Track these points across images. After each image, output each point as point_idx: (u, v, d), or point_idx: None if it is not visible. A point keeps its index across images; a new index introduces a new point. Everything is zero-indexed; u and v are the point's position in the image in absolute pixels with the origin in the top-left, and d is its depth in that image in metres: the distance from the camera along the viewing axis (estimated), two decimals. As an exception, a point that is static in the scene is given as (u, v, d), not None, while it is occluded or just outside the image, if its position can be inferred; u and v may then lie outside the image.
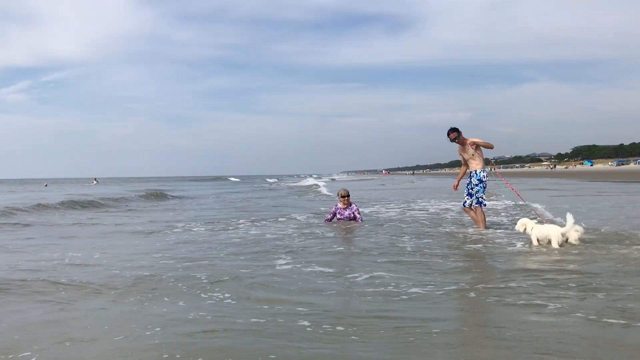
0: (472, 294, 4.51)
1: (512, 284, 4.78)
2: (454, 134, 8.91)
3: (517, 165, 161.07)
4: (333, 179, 76.22)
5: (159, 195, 27.21)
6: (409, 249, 7.08)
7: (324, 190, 30.31)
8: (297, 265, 5.94)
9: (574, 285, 4.70)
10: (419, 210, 13.75)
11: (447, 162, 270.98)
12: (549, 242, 6.63)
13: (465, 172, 9.20)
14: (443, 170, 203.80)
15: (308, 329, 3.62)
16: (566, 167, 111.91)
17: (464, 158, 9.09)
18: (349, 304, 4.32)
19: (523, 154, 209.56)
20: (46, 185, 65.84)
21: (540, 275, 5.15)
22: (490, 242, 7.47)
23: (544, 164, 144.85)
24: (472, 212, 9.05)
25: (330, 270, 5.65)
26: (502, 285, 4.75)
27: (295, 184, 51.79)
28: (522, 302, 4.19)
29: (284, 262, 6.19)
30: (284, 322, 3.77)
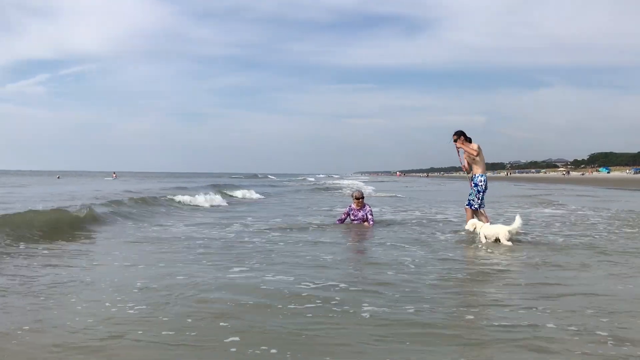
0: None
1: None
2: (455, 136, 9.30)
3: (533, 170, 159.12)
4: (360, 179, 74.20)
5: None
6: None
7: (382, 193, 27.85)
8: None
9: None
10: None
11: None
12: (497, 239, 7.49)
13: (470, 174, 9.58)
14: (458, 174, 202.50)
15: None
16: (582, 174, 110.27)
17: (467, 162, 9.48)
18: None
19: (539, 159, 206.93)
20: (59, 178, 66.26)
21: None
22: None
23: (560, 170, 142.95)
24: (474, 215, 9.21)
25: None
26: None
27: (334, 183, 49.30)
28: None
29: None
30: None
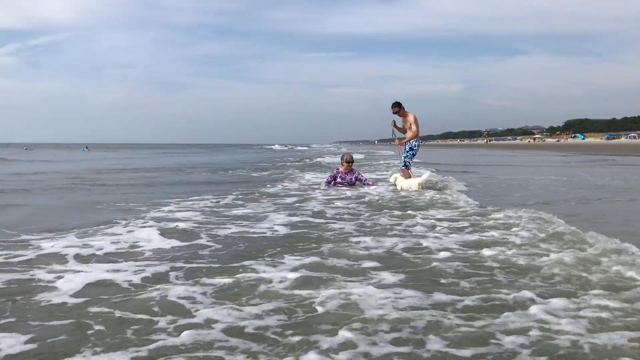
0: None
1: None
2: (396, 108, 10.67)
3: (510, 137, 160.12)
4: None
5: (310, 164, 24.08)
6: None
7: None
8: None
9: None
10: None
11: (439, 133, 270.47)
12: (410, 189, 9.72)
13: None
14: (436, 142, 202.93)
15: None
16: (557, 140, 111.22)
17: (403, 127, 10.86)
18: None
19: (515, 126, 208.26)
20: (25, 149, 63.66)
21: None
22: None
23: (534, 137, 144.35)
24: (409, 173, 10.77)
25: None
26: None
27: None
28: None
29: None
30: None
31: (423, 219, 6.42)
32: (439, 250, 4.60)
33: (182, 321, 2.86)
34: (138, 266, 4.08)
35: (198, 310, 3.02)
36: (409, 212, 7.01)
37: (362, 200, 8.56)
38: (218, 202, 8.33)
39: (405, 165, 10.77)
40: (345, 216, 6.76)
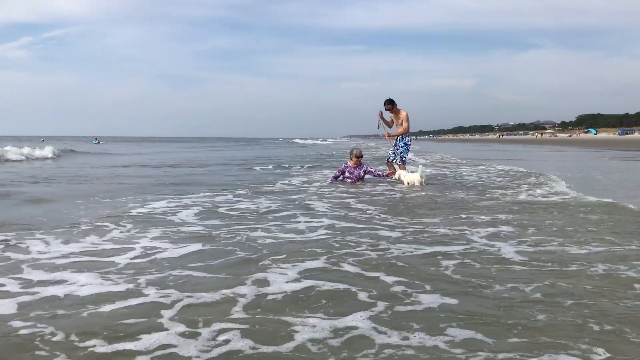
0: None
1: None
2: (389, 105, 11.24)
3: (521, 132, 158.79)
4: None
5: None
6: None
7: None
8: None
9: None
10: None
11: (450, 127, 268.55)
12: (414, 184, 9.96)
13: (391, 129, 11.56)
14: (447, 137, 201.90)
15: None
16: (569, 136, 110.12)
17: (394, 122, 11.42)
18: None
19: (527, 121, 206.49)
20: (43, 141, 64.40)
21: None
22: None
23: (541, 132, 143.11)
24: (394, 167, 11.35)
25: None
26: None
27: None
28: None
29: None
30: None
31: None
32: None
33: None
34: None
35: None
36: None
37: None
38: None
39: (402, 161, 11.31)
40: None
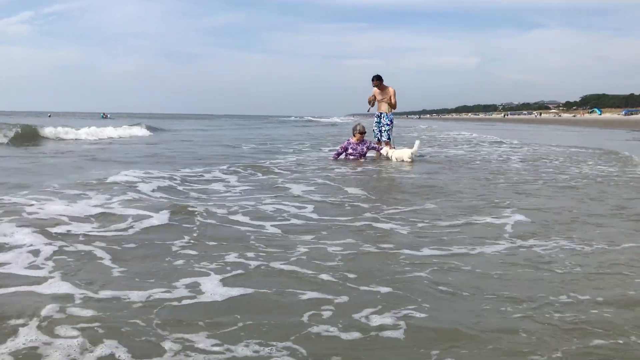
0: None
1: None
2: (377, 81, 11.41)
3: (525, 112, 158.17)
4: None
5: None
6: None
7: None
8: None
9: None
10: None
11: (453, 107, 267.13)
12: (403, 160, 10.10)
13: (375, 106, 11.68)
14: (450, 116, 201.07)
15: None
16: (574, 116, 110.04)
17: (382, 99, 11.48)
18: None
19: (531, 100, 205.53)
20: (50, 116, 65.07)
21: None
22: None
23: (552, 112, 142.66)
24: (380, 144, 11.38)
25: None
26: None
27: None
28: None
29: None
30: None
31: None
32: None
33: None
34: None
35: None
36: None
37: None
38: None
39: (389, 138, 11.52)
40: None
